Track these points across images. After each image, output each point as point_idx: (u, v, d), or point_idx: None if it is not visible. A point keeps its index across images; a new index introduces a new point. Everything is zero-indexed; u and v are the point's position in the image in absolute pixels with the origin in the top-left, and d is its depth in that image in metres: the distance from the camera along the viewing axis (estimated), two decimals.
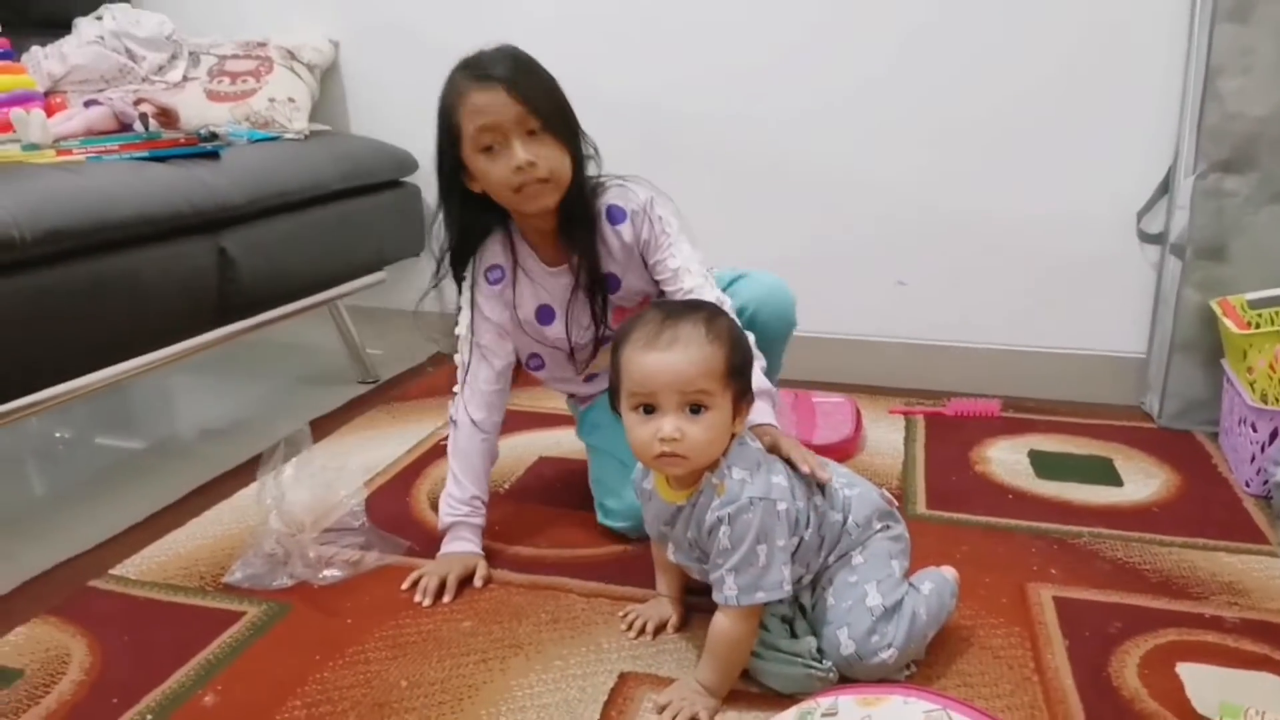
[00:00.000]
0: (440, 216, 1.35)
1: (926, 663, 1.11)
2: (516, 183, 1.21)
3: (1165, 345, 1.85)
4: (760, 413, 1.19)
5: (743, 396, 1.03)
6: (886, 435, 1.84)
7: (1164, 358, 1.85)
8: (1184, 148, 1.79)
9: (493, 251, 1.37)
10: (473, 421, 1.38)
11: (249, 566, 1.34)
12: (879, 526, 1.14)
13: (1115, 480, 1.62)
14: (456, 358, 1.43)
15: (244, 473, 1.66)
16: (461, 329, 1.41)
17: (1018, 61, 1.90)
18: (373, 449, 1.81)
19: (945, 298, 2.06)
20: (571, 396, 1.61)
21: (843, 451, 1.73)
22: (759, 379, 1.23)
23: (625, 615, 1.22)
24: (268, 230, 1.82)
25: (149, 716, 1.05)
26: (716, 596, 1.03)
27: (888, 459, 1.73)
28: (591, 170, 1.33)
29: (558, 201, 1.27)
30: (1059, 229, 1.95)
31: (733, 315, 1.32)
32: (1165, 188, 1.87)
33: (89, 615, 1.26)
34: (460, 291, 1.41)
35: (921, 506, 1.54)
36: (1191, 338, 1.80)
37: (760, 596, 1.01)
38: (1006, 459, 1.71)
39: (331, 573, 1.34)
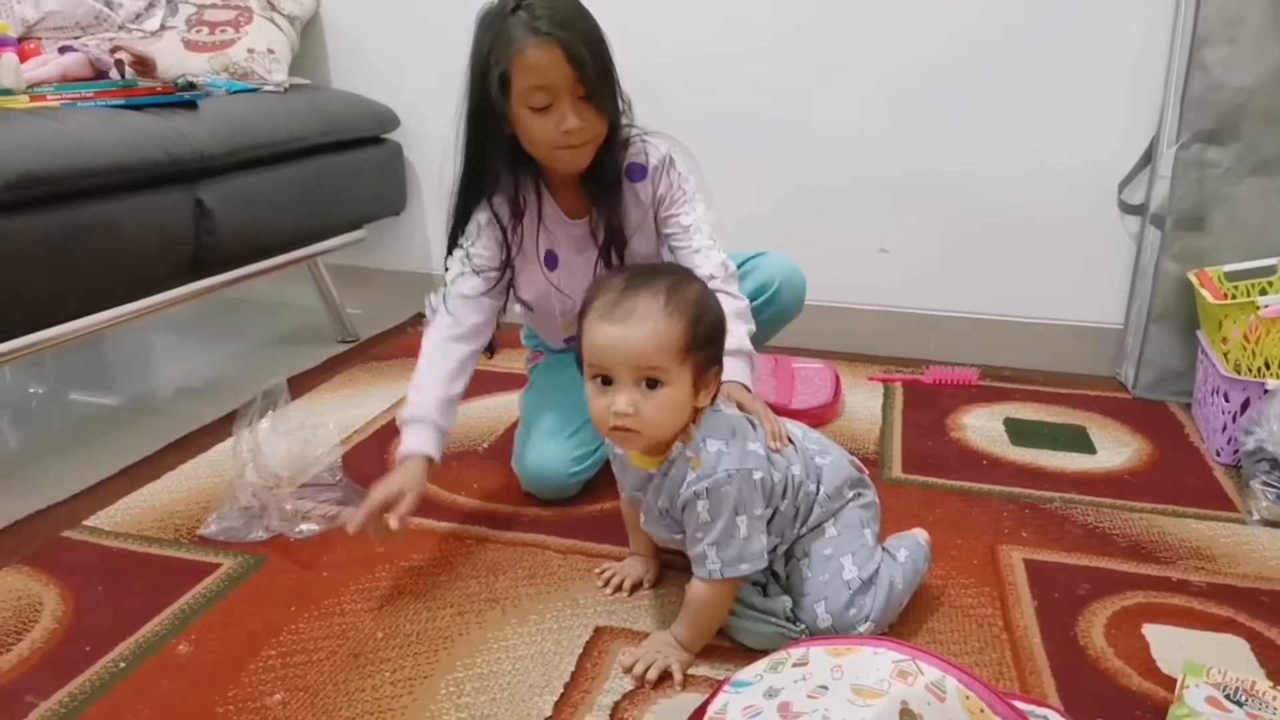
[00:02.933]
0: (462, 154, 1.29)
1: (898, 621, 1.12)
2: (561, 144, 1.21)
3: (1142, 316, 1.86)
4: (732, 370, 1.17)
5: (708, 368, 0.99)
6: (865, 401, 1.85)
7: (1140, 328, 1.86)
8: (1167, 117, 1.79)
9: (516, 188, 1.31)
10: (451, 315, 1.33)
11: (225, 519, 1.33)
12: (850, 495, 1.13)
13: (1089, 448, 1.63)
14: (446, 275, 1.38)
15: (220, 429, 1.65)
16: (459, 248, 1.36)
17: (1001, 30, 1.89)
18: (351, 407, 1.80)
19: (926, 266, 2.06)
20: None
21: (821, 417, 1.74)
22: (738, 340, 1.22)
23: (602, 573, 1.22)
24: (245, 183, 1.80)
25: (122, 664, 1.05)
26: (699, 571, 1.02)
27: (865, 424, 1.74)
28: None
29: (589, 161, 1.27)
30: (1041, 199, 1.96)
31: (733, 282, 1.33)
32: (1148, 158, 1.87)
33: (62, 565, 1.26)
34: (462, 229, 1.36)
35: (897, 470, 1.55)
36: (1168, 308, 1.81)
37: (744, 568, 1.00)
38: (982, 426, 1.73)
39: (308, 527, 1.33)
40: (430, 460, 1.24)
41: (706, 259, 1.32)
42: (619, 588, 1.20)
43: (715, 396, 1.04)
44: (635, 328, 0.93)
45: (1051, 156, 1.93)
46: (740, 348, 1.25)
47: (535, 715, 0.97)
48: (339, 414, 1.74)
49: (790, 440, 1.12)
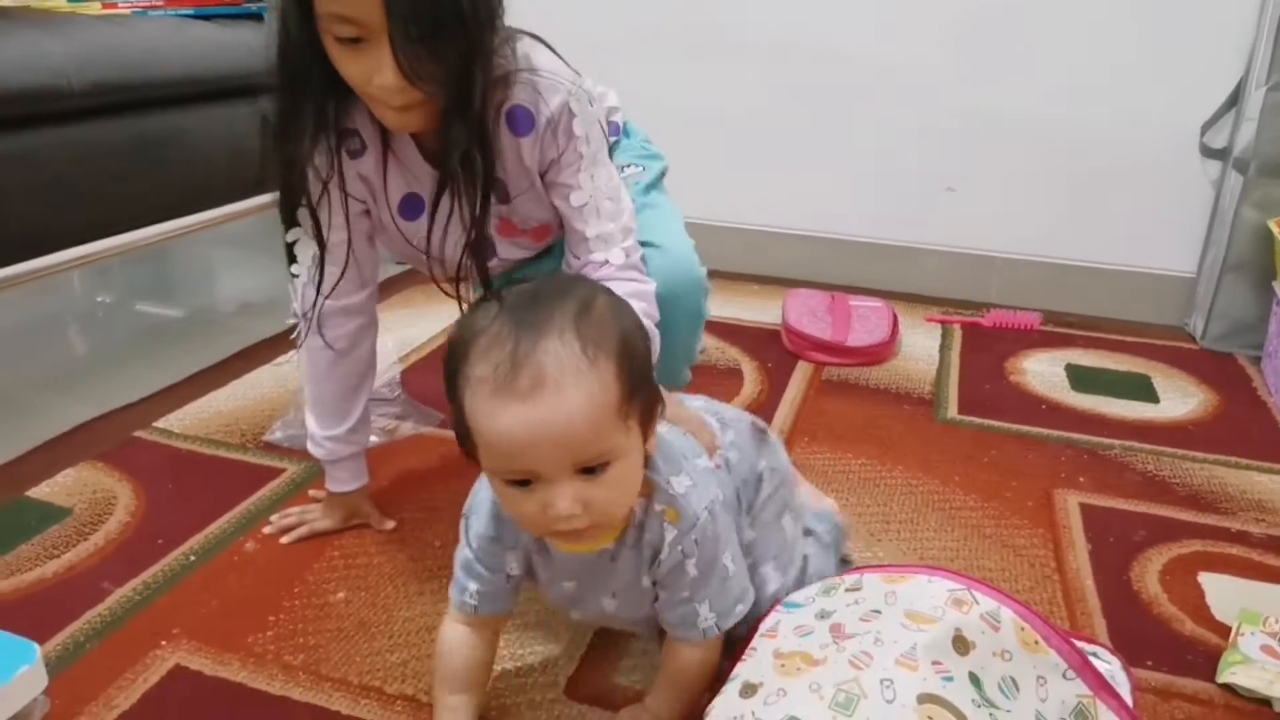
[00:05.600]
0: (277, 81, 0.95)
1: (946, 557, 1.12)
2: (376, 98, 0.89)
3: (1217, 265, 1.80)
4: None
5: (652, 407, 0.73)
6: (922, 342, 1.82)
7: (1214, 277, 1.81)
8: (1258, 57, 1.71)
9: (354, 118, 0.99)
10: (325, 342, 1.09)
11: (289, 427, 1.37)
12: (761, 471, 0.95)
13: (1152, 397, 1.60)
14: (294, 279, 1.09)
15: (283, 342, 1.67)
16: (301, 229, 1.05)
17: None
18: (408, 326, 1.82)
19: (992, 206, 2.01)
20: None
21: (877, 355, 1.73)
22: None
23: None
24: None
25: (192, 558, 1.10)
26: (686, 634, 0.83)
27: (921, 364, 1.72)
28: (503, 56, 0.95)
29: (429, 123, 0.93)
30: (1116, 140, 1.89)
31: (632, 270, 1.04)
32: (1234, 100, 1.80)
33: (134, 463, 1.30)
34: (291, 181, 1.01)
35: (953, 411, 1.53)
36: (1245, 258, 1.75)
37: (740, 610, 0.83)
38: (1043, 370, 1.70)
39: (369, 438, 1.36)
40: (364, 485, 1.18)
41: (603, 246, 1.03)
42: None
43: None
44: (556, 403, 0.64)
45: (1130, 96, 1.86)
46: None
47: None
48: (397, 332, 1.77)
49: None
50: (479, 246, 1.01)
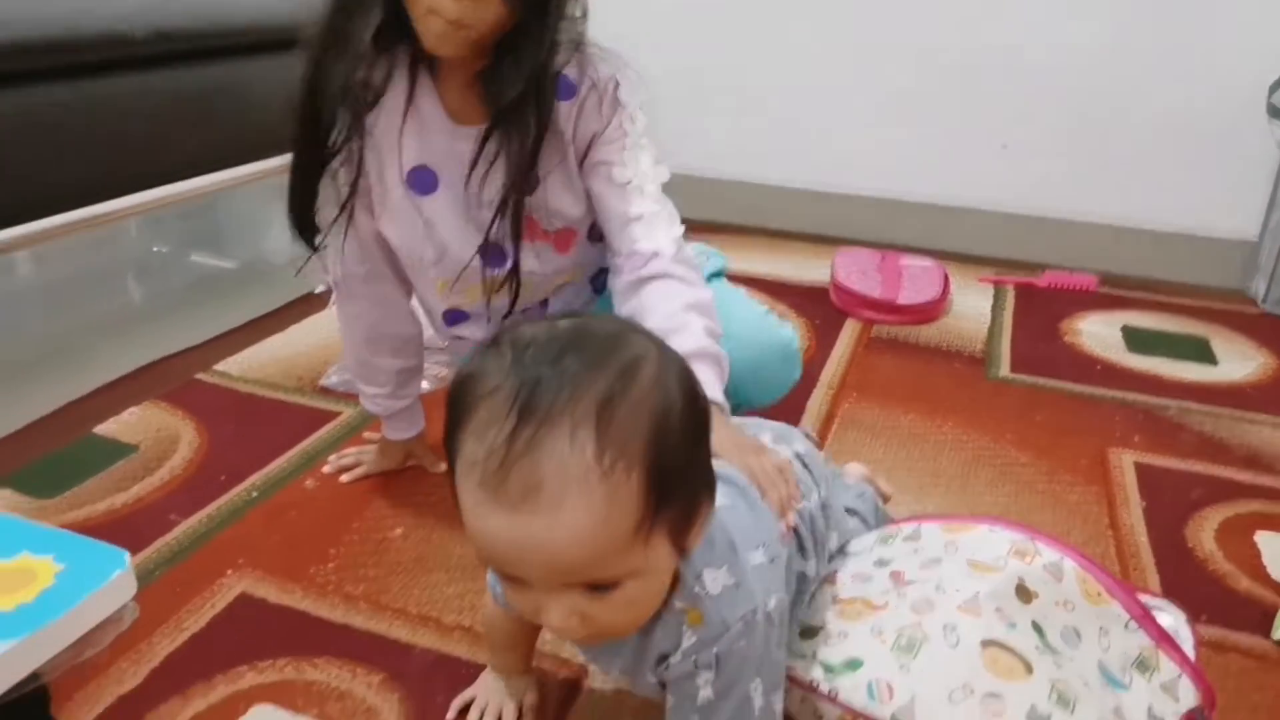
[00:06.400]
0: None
1: (997, 512, 1.12)
2: (430, 6, 0.82)
3: None
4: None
5: (694, 512, 0.57)
6: (974, 302, 1.80)
7: (1278, 240, 1.76)
8: None
9: (379, 64, 0.91)
10: (351, 297, 1.05)
11: (345, 371, 1.39)
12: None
13: (1210, 359, 1.58)
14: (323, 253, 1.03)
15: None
16: (329, 181, 0.96)
17: None
18: None
19: (1049, 166, 1.98)
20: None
21: (928, 313, 1.71)
22: (697, 338, 0.89)
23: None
24: None
25: (254, 494, 1.12)
26: None
27: (973, 323, 1.70)
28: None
29: (468, 52, 0.87)
30: (1180, 99, 1.84)
31: (686, 265, 0.95)
32: None
33: (196, 403, 1.33)
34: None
35: (1005, 370, 1.52)
36: None
37: None
38: (1098, 332, 1.68)
39: (421, 384, 1.38)
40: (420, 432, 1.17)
41: (649, 231, 0.95)
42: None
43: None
44: (551, 522, 0.50)
45: (1196, 55, 1.81)
46: (701, 349, 0.88)
47: None
48: None
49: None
50: (518, 216, 0.93)
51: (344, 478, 1.16)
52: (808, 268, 1.93)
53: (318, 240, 1.00)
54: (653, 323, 0.87)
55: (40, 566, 0.47)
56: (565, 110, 0.94)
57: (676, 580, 0.62)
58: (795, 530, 0.77)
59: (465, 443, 0.52)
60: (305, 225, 0.99)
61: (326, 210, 0.98)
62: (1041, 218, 2.01)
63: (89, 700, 0.82)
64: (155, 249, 2.22)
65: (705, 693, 0.64)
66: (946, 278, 1.80)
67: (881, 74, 2.02)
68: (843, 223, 2.12)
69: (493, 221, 0.94)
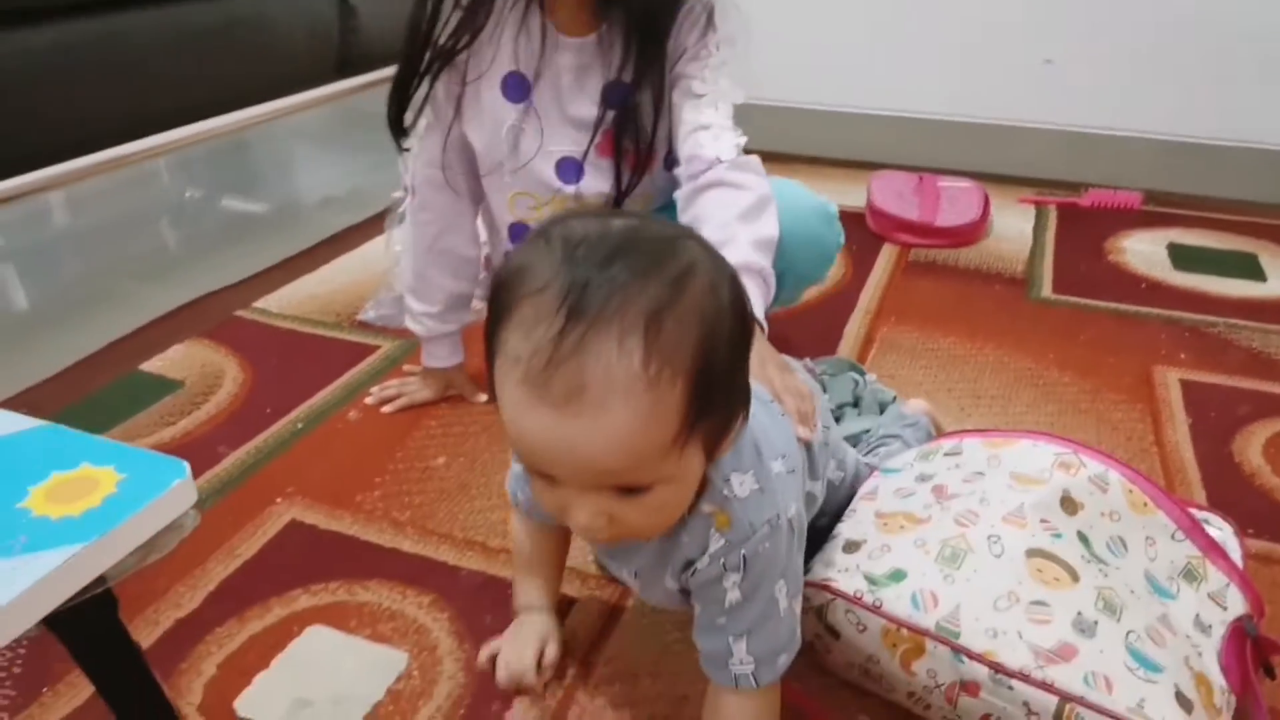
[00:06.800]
0: None
1: (1039, 431, 1.11)
2: None
3: None
4: None
5: (729, 424, 0.58)
6: (1015, 223, 1.77)
7: None
8: None
9: None
10: (424, 204, 1.09)
11: (381, 306, 1.40)
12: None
13: (1259, 275, 1.54)
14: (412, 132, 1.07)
15: (368, 228, 1.71)
16: (422, 85, 1.02)
17: None
18: None
19: (1092, 80, 1.91)
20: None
21: (967, 236, 1.68)
22: (743, 252, 0.90)
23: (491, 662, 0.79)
24: None
25: (299, 425, 1.14)
26: (718, 675, 0.67)
27: (1014, 245, 1.67)
28: None
29: None
30: (1225, 5, 1.76)
31: (750, 174, 0.97)
32: None
33: (237, 339, 1.35)
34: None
35: (1047, 290, 1.49)
36: None
37: (783, 661, 0.66)
38: (1143, 250, 1.64)
39: (467, 315, 1.39)
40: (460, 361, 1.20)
41: (714, 139, 0.98)
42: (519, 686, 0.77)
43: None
44: (592, 424, 0.50)
45: None
46: (746, 263, 0.90)
47: None
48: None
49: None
50: (633, 111, 0.98)
51: (386, 409, 1.17)
52: (843, 193, 1.89)
53: (406, 142, 1.06)
54: (707, 233, 0.86)
55: (102, 476, 0.48)
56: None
57: (704, 485, 0.62)
58: (808, 449, 0.77)
59: (510, 338, 0.51)
60: (399, 125, 1.05)
61: (417, 111, 1.03)
62: (1084, 134, 1.95)
63: (148, 624, 0.84)
64: (187, 194, 2.23)
65: (733, 594, 0.64)
66: (986, 199, 1.77)
67: None
68: (878, 146, 2.07)
69: (594, 135, 1.01)
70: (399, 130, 1.05)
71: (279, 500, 1.00)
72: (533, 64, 1.01)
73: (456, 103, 1.04)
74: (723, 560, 0.63)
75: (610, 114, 1.01)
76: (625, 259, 0.50)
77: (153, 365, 1.28)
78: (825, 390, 1.03)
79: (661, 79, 1.00)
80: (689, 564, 0.65)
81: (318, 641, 0.82)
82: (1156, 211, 1.81)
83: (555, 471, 0.53)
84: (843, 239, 1.17)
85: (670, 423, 0.51)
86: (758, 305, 0.88)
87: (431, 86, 1.02)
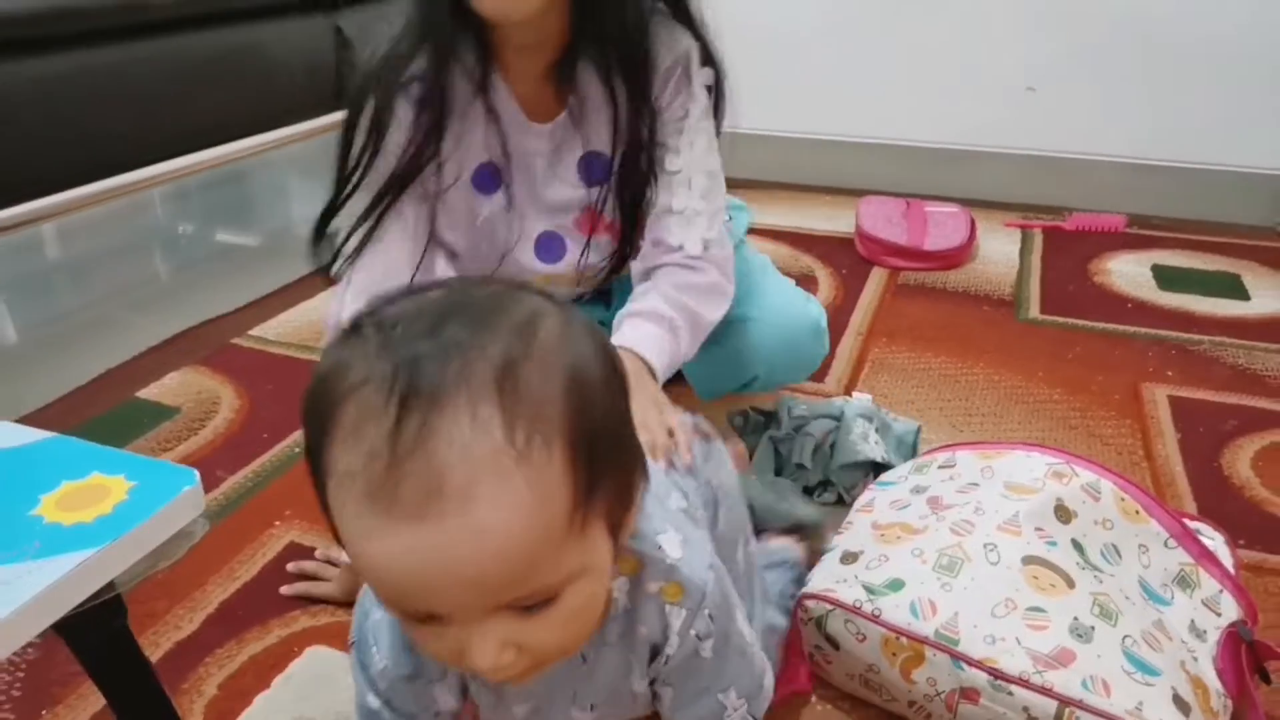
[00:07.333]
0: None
1: (1032, 442, 1.12)
2: None
3: None
4: (632, 337, 0.83)
5: (629, 485, 0.49)
6: (1001, 247, 1.79)
7: None
8: None
9: (434, 62, 0.85)
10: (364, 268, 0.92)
11: None
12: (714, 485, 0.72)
13: (1243, 295, 1.56)
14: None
15: None
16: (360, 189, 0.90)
17: None
18: None
19: (1073, 106, 1.95)
20: None
21: (954, 259, 1.70)
22: (652, 302, 0.86)
23: None
24: (380, 12, 1.81)
25: (297, 448, 1.14)
26: None
27: (1001, 267, 1.70)
28: None
29: (534, 10, 0.79)
30: (1204, 31, 1.81)
31: (709, 269, 0.89)
32: None
33: (234, 366, 1.36)
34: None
35: (1035, 311, 1.51)
36: None
37: (768, 685, 0.62)
38: (1128, 271, 1.66)
39: None
40: None
41: (684, 227, 0.89)
42: None
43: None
44: (462, 527, 0.40)
45: None
46: (651, 309, 0.85)
47: None
48: None
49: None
50: (639, 185, 0.88)
51: (284, 589, 0.91)
52: (832, 219, 1.93)
53: (337, 268, 0.92)
54: (633, 297, 0.85)
55: (113, 484, 0.49)
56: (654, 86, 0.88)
57: (639, 564, 0.54)
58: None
59: (337, 454, 0.41)
60: (323, 248, 0.93)
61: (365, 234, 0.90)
62: (1067, 159, 1.99)
63: (148, 646, 0.84)
64: (182, 225, 2.24)
65: (707, 655, 0.56)
66: (973, 223, 1.79)
67: (900, 18, 2.00)
68: (866, 173, 2.10)
69: (600, 204, 0.91)
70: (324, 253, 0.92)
71: (277, 523, 1.00)
72: (497, 150, 0.91)
73: (431, 214, 0.92)
74: (694, 631, 0.55)
75: (593, 190, 0.92)
76: (456, 319, 0.42)
77: (149, 392, 1.29)
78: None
79: (648, 136, 0.89)
80: (655, 654, 0.56)
81: (317, 662, 0.82)
82: (1140, 234, 1.83)
83: (433, 605, 0.42)
84: (826, 350, 1.09)
85: (558, 499, 0.41)
86: (649, 347, 0.82)
87: (389, 206, 0.89)
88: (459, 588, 0.41)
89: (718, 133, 0.93)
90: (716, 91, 0.92)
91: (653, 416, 0.72)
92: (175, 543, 0.47)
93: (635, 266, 0.94)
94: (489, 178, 0.93)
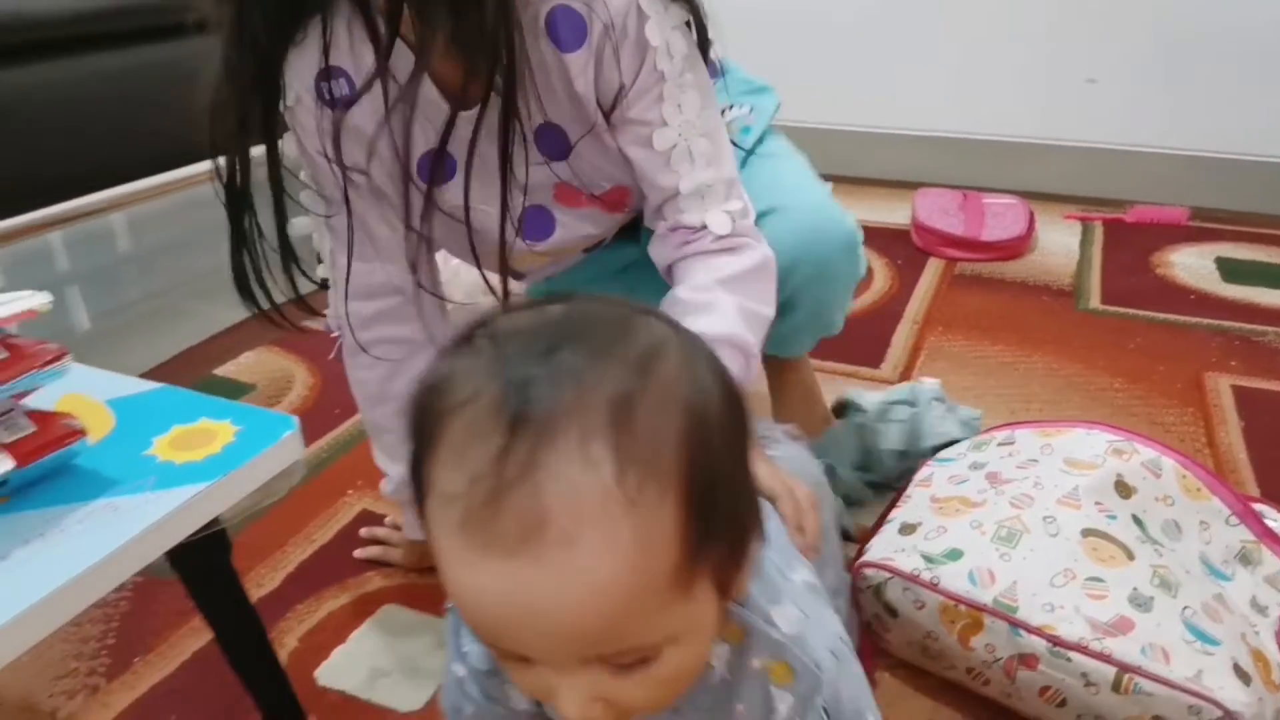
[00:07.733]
0: None
1: (1093, 420, 1.12)
2: None
3: None
4: None
5: (743, 542, 0.44)
6: (1061, 239, 1.78)
7: None
8: None
9: (341, 46, 0.70)
10: (360, 345, 0.87)
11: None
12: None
13: None
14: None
15: None
16: (306, 202, 0.85)
17: None
18: None
19: (1136, 98, 1.92)
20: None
21: (1013, 250, 1.70)
22: (724, 322, 0.71)
23: None
24: None
25: None
26: None
27: (1060, 259, 1.69)
28: None
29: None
30: (1266, 18, 1.77)
31: (746, 254, 0.76)
32: None
33: (305, 347, 1.40)
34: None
35: (1095, 302, 1.51)
36: None
37: None
38: (1191, 263, 1.64)
39: None
40: None
41: (700, 205, 0.75)
42: None
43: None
44: (559, 573, 0.37)
45: None
46: (728, 335, 0.71)
47: None
48: None
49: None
50: (505, 205, 0.73)
51: (357, 552, 0.95)
52: (887, 211, 1.93)
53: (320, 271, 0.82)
54: (680, 294, 0.74)
55: (220, 428, 0.52)
56: (578, 65, 0.70)
57: (744, 635, 0.49)
58: None
59: (439, 472, 0.39)
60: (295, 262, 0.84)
61: (320, 233, 0.82)
62: (1127, 152, 1.96)
63: None
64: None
65: None
66: (1031, 214, 1.78)
67: (961, 10, 1.99)
68: (922, 167, 2.10)
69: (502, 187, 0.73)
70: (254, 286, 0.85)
71: (350, 492, 1.05)
72: (436, 139, 0.73)
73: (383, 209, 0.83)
74: None
75: (553, 166, 0.77)
76: (573, 344, 0.39)
77: (226, 370, 1.34)
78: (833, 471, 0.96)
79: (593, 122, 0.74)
80: None
81: (392, 619, 0.86)
82: (1203, 227, 1.81)
83: (521, 646, 0.40)
84: (861, 273, 0.95)
85: (666, 554, 0.38)
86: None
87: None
88: (548, 635, 0.38)
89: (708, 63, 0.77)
90: (697, 25, 0.74)
91: (779, 481, 0.64)
92: (278, 481, 0.50)
93: (656, 253, 0.80)
94: (436, 164, 0.75)
